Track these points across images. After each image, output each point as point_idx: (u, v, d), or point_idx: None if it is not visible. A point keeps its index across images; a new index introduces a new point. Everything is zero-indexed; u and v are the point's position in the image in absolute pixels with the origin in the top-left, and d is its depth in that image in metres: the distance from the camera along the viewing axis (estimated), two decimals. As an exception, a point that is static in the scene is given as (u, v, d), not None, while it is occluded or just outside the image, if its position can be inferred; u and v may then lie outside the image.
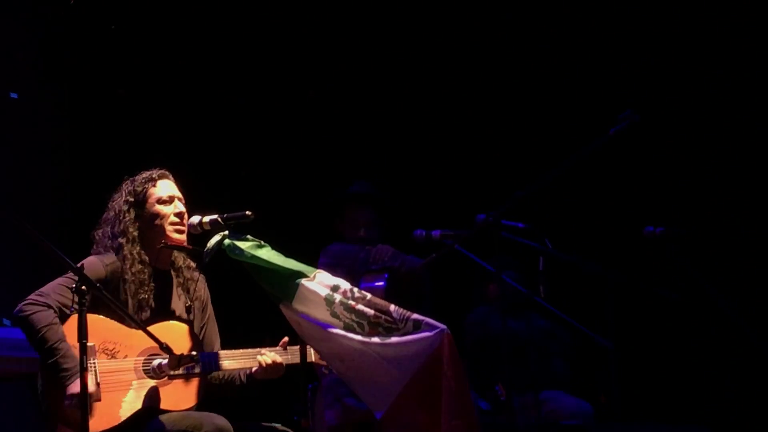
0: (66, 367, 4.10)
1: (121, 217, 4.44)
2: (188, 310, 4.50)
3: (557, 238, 5.17)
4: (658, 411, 6.25)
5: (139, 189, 4.47)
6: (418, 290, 5.74)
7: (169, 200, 4.47)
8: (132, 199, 4.46)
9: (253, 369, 4.42)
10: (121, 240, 4.40)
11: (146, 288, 4.38)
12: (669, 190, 6.70)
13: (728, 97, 6.66)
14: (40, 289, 4.26)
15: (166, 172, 4.55)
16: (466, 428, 4.02)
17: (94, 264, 4.32)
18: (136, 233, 4.43)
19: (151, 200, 4.46)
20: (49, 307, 4.20)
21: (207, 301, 4.61)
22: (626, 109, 4.61)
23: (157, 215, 4.45)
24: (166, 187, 4.50)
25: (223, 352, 4.42)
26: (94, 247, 4.47)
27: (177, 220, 4.45)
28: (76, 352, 3.88)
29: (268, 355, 4.39)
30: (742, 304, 5.20)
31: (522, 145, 7.02)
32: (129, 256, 4.38)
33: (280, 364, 4.39)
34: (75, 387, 4.09)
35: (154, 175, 4.51)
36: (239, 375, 4.48)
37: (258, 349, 4.42)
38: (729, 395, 6.36)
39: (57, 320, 4.19)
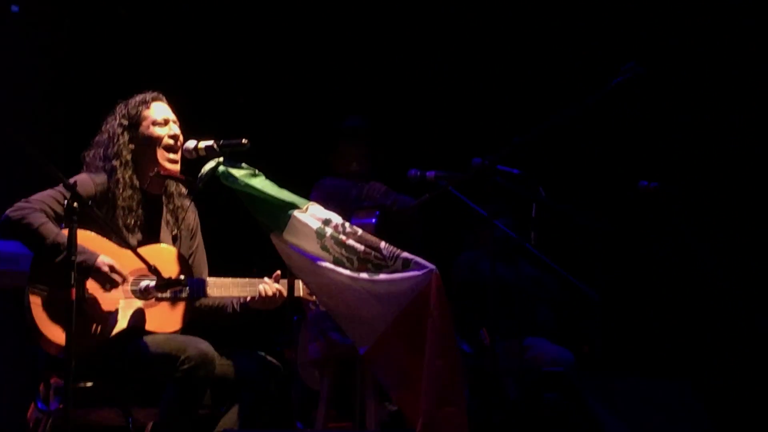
0: (78, 257, 4.02)
1: (114, 140, 4.41)
2: (174, 238, 4.49)
3: (551, 186, 5.17)
4: (640, 364, 6.29)
5: (133, 111, 4.45)
6: (408, 230, 5.74)
7: (164, 122, 4.45)
8: (126, 122, 4.43)
9: (248, 298, 4.41)
10: (115, 163, 4.38)
11: (134, 213, 4.37)
12: (666, 146, 6.70)
13: (730, 55, 6.63)
14: (25, 198, 4.24)
15: (160, 95, 4.52)
16: (449, 368, 4.04)
17: (85, 181, 4.31)
18: (129, 156, 4.41)
19: (146, 123, 4.44)
20: (36, 210, 4.18)
21: (196, 229, 4.60)
22: (630, 61, 4.59)
23: (152, 137, 4.43)
24: (160, 110, 4.48)
25: (211, 279, 4.42)
26: (85, 168, 4.45)
27: (171, 142, 4.43)
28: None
29: (271, 285, 4.38)
30: (729, 263, 5.22)
31: (523, 90, 7.00)
32: (121, 179, 4.37)
33: (282, 295, 4.38)
34: (99, 261, 4.13)
35: (147, 98, 4.48)
36: (232, 303, 4.48)
37: (246, 279, 4.42)
38: (711, 351, 6.40)
39: (47, 220, 4.17)
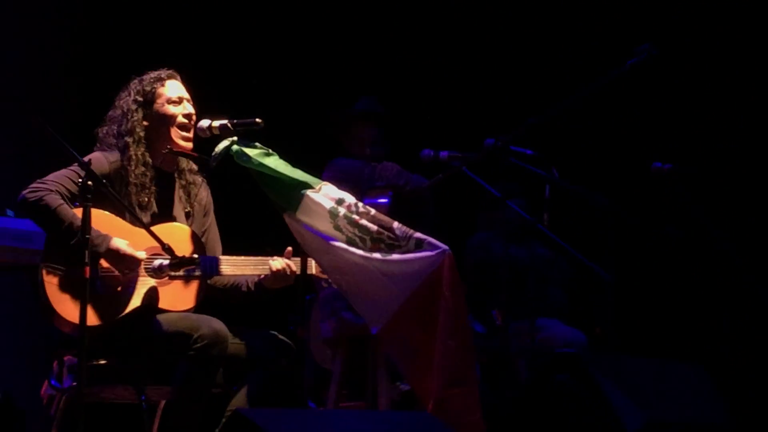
0: (92, 239, 4.04)
1: (129, 116, 4.41)
2: (187, 215, 4.50)
3: (565, 167, 5.16)
4: (653, 346, 6.28)
5: (148, 88, 4.44)
6: (420, 210, 5.73)
7: (178, 101, 4.45)
8: (141, 99, 4.43)
9: (262, 275, 4.42)
10: (128, 139, 4.38)
11: (147, 191, 4.38)
12: (680, 128, 6.67)
13: (745, 34, 6.60)
14: (41, 179, 4.25)
15: (175, 72, 4.52)
16: (461, 349, 4.05)
17: (99, 160, 4.31)
18: (142, 134, 4.41)
19: (160, 100, 4.44)
20: (52, 191, 4.19)
21: (209, 207, 4.60)
22: (645, 42, 4.57)
23: (166, 116, 4.43)
24: (175, 88, 4.48)
25: (224, 258, 4.43)
26: (98, 144, 4.46)
27: (185, 121, 4.44)
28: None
29: (279, 261, 4.39)
30: (743, 246, 5.20)
31: (537, 71, 6.97)
32: (134, 156, 4.37)
33: (294, 272, 4.38)
34: (114, 243, 4.15)
35: (162, 75, 4.48)
36: (246, 282, 4.49)
37: (259, 258, 4.43)
38: (724, 335, 6.39)
39: (63, 202, 4.18)
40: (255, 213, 5.18)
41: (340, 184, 4.36)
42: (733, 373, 5.95)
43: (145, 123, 4.42)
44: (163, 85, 4.46)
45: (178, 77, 4.52)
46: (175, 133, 4.43)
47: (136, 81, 4.49)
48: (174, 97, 4.45)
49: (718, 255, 5.17)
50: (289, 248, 4.41)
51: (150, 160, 4.40)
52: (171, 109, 4.43)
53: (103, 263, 4.20)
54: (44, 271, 4.18)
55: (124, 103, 4.44)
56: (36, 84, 6.60)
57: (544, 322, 6.11)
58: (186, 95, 4.49)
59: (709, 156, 6.51)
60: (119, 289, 4.24)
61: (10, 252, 5.18)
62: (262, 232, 4.73)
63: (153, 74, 4.49)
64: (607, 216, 5.02)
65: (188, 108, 4.46)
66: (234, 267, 4.41)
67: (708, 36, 6.65)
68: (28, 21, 6.75)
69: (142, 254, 4.23)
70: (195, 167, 4.55)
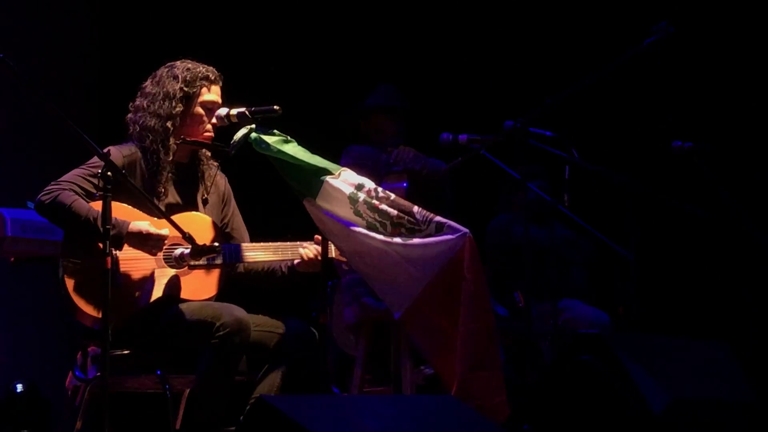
0: (111, 229, 4.00)
1: (169, 101, 4.37)
2: (204, 202, 4.49)
3: (584, 147, 5.15)
4: (676, 325, 6.27)
5: (196, 84, 4.40)
6: (439, 193, 5.73)
7: (212, 110, 4.41)
8: (186, 90, 4.39)
9: (295, 261, 4.42)
10: (155, 123, 4.35)
11: (164, 179, 4.37)
12: (699, 105, 6.64)
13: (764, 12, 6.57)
14: (55, 180, 4.26)
15: (220, 77, 4.47)
16: (483, 332, 4.04)
17: (114, 154, 4.27)
18: (170, 123, 4.37)
19: (199, 100, 4.40)
20: (65, 190, 4.19)
21: (228, 195, 4.59)
22: (661, 21, 4.55)
23: (196, 117, 4.40)
24: (216, 95, 4.44)
25: (245, 245, 4.44)
26: (130, 115, 4.43)
27: (210, 133, 4.42)
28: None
29: (310, 248, 4.39)
30: (765, 222, 5.19)
31: (555, 51, 6.95)
32: (153, 143, 4.36)
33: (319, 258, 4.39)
34: (134, 226, 4.15)
35: (211, 77, 4.44)
36: (280, 267, 4.50)
37: (280, 244, 4.43)
38: (748, 312, 6.37)
39: (78, 197, 4.19)
40: (275, 199, 5.18)
41: (358, 170, 4.36)
42: (758, 351, 5.93)
43: (177, 110, 4.39)
44: (208, 89, 4.43)
45: (221, 82, 4.49)
46: (196, 134, 4.41)
47: (185, 67, 4.43)
48: (211, 104, 4.42)
49: (739, 232, 5.15)
50: (317, 236, 4.40)
51: (168, 149, 4.39)
52: (203, 114, 4.41)
53: (122, 256, 4.20)
54: (64, 267, 4.19)
55: (169, 85, 4.40)
56: (58, 77, 6.62)
57: (566, 303, 6.10)
58: (219, 103, 4.46)
59: (730, 134, 6.48)
60: (139, 280, 4.25)
61: (33, 243, 5.21)
62: (283, 218, 4.73)
63: (202, 69, 4.43)
64: (628, 195, 5.01)
65: (214, 119, 4.42)
66: (256, 253, 4.42)
67: (727, 12, 6.62)
68: (50, 17, 6.77)
69: (165, 231, 4.22)
70: (208, 153, 4.54)
